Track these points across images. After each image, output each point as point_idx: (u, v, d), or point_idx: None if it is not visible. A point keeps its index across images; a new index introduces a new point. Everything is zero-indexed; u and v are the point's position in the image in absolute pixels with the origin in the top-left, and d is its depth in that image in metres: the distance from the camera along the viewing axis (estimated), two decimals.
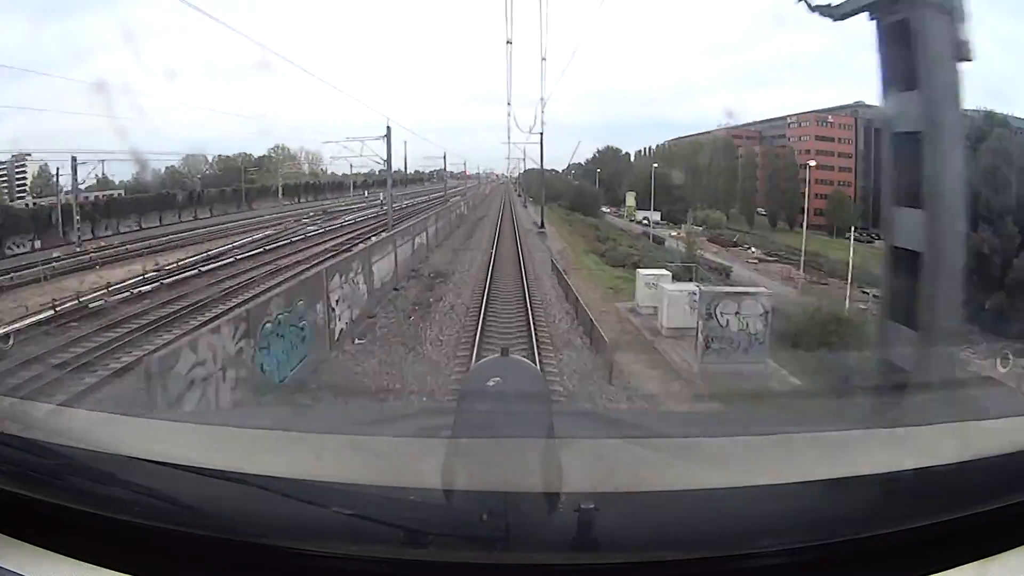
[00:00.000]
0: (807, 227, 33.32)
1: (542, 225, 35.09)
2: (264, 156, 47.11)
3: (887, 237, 5.85)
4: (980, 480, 1.17)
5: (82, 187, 30.96)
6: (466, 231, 34.43)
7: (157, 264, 20.26)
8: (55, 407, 1.69)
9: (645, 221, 41.17)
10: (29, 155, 35.92)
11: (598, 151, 52.50)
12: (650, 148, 50.92)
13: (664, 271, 17.26)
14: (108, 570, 1.08)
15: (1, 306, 15.14)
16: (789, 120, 43.60)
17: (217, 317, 11.46)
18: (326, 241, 27.50)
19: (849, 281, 25.09)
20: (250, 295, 15.02)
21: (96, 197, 33.16)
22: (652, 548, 1.08)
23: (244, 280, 18.66)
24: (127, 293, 16.48)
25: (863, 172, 37.59)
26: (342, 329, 12.78)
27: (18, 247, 25.70)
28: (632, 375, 11.31)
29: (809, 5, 5.62)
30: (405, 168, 51.53)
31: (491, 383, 1.63)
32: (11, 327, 12.59)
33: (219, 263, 21.53)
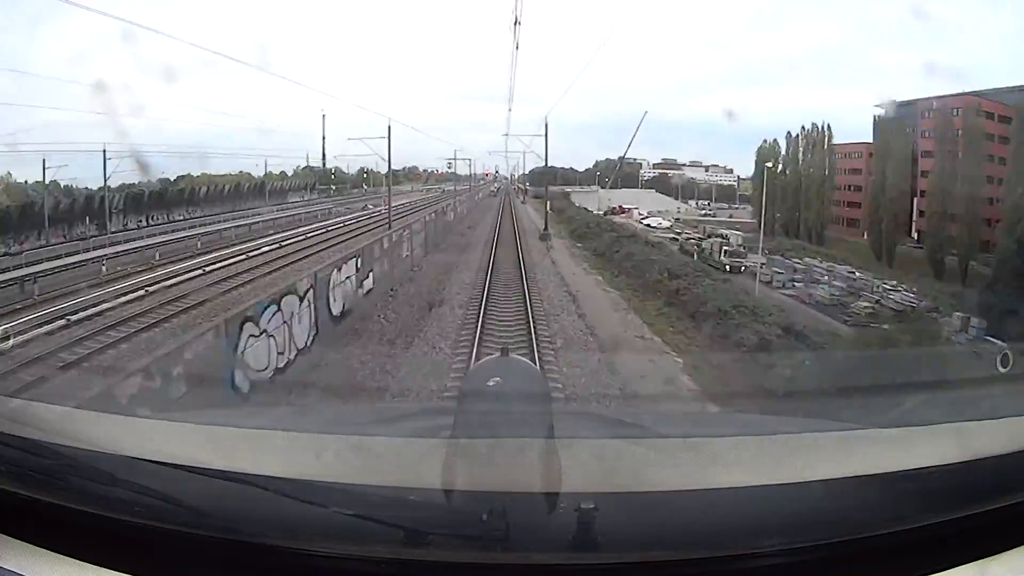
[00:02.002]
0: None
1: None
2: None
3: None
4: (980, 480, 1.17)
5: None
6: None
7: None
8: (55, 407, 1.69)
9: None
10: None
11: None
12: None
13: None
14: (108, 570, 1.08)
15: None
16: None
17: None
18: None
19: None
20: None
21: None
22: (652, 548, 1.08)
23: None
24: None
25: None
26: None
27: None
28: None
29: None
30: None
31: (491, 383, 1.64)
32: None
33: None
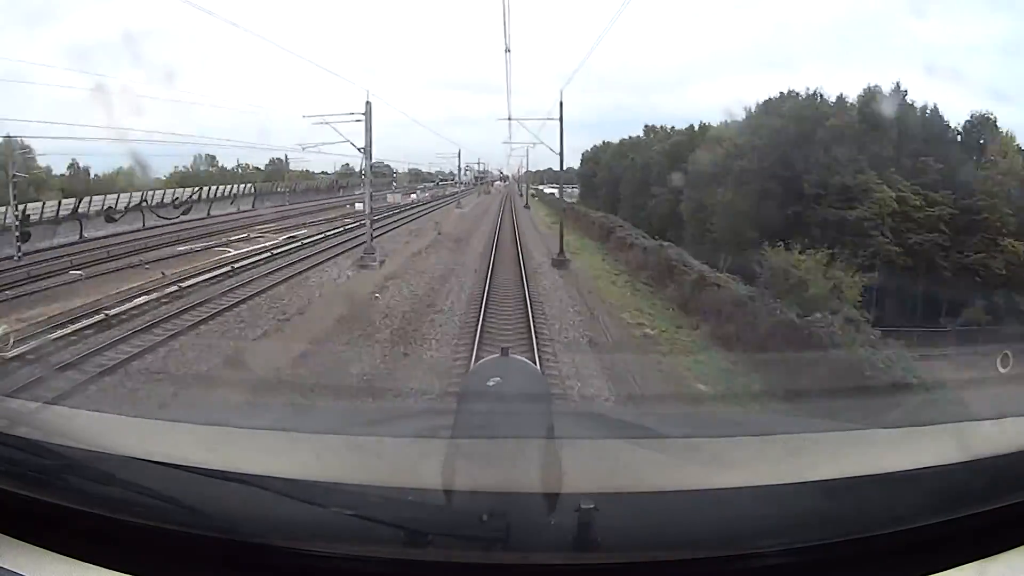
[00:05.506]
0: None
1: None
2: None
3: None
4: (980, 480, 1.17)
5: None
6: None
7: None
8: (55, 407, 1.70)
9: None
10: None
11: None
12: None
13: None
14: (108, 570, 1.08)
15: None
16: None
17: None
18: None
19: None
20: None
21: None
22: (652, 548, 1.08)
23: None
24: None
25: None
26: None
27: None
28: None
29: None
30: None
31: (491, 383, 1.64)
32: None
33: None
